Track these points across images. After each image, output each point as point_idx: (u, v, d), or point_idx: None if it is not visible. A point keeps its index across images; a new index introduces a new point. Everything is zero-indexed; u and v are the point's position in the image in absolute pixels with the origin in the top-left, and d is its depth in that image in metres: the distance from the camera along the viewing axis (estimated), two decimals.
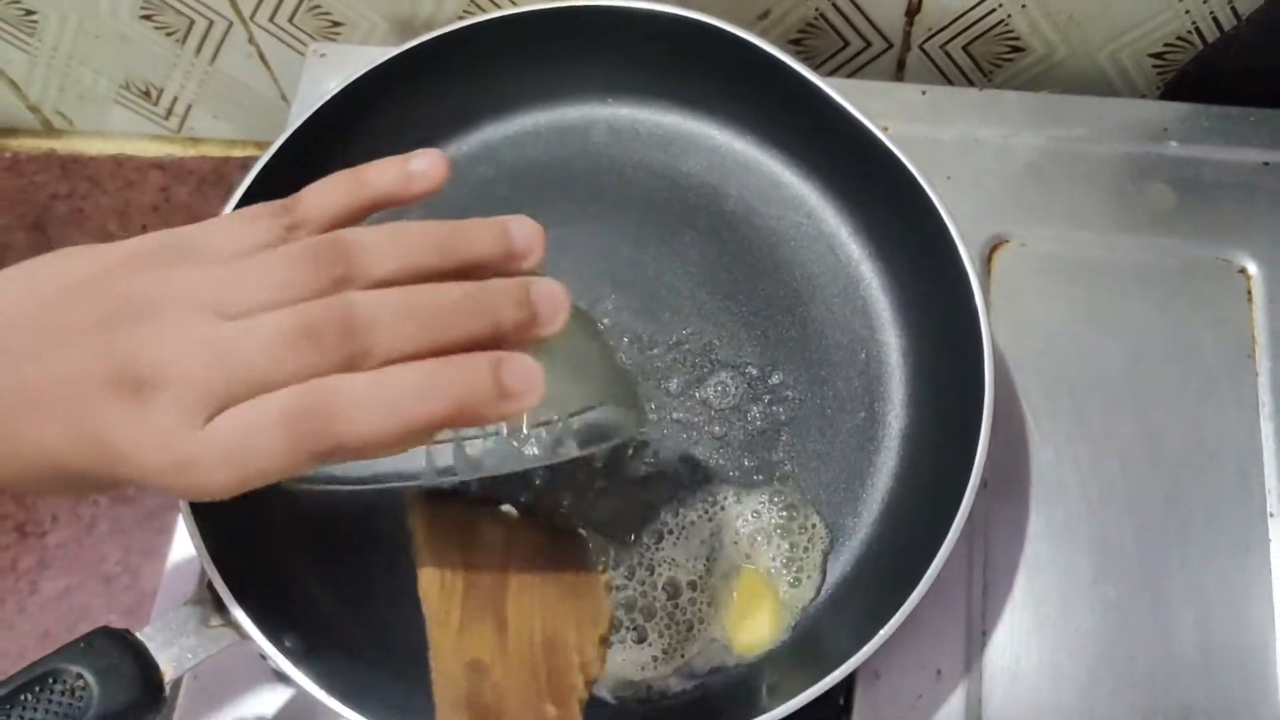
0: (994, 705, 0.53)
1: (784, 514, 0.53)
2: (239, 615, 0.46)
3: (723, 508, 0.53)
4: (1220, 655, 0.53)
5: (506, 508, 0.52)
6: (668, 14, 0.56)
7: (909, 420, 0.55)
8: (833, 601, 0.53)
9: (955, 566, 0.55)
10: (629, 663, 0.50)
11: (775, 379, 0.56)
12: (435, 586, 0.46)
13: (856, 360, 0.56)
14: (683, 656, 0.50)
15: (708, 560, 0.52)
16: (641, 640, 0.50)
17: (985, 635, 0.54)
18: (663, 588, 0.52)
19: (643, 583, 0.52)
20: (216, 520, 0.49)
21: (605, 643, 0.47)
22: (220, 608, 0.47)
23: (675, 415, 0.55)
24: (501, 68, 0.59)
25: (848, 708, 0.53)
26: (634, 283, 0.58)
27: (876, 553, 0.53)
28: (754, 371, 0.56)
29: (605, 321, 0.57)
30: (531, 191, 0.60)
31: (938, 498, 0.50)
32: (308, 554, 0.53)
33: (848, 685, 0.53)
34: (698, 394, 0.56)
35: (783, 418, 0.55)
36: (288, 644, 0.46)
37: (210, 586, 0.47)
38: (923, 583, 0.47)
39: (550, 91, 0.61)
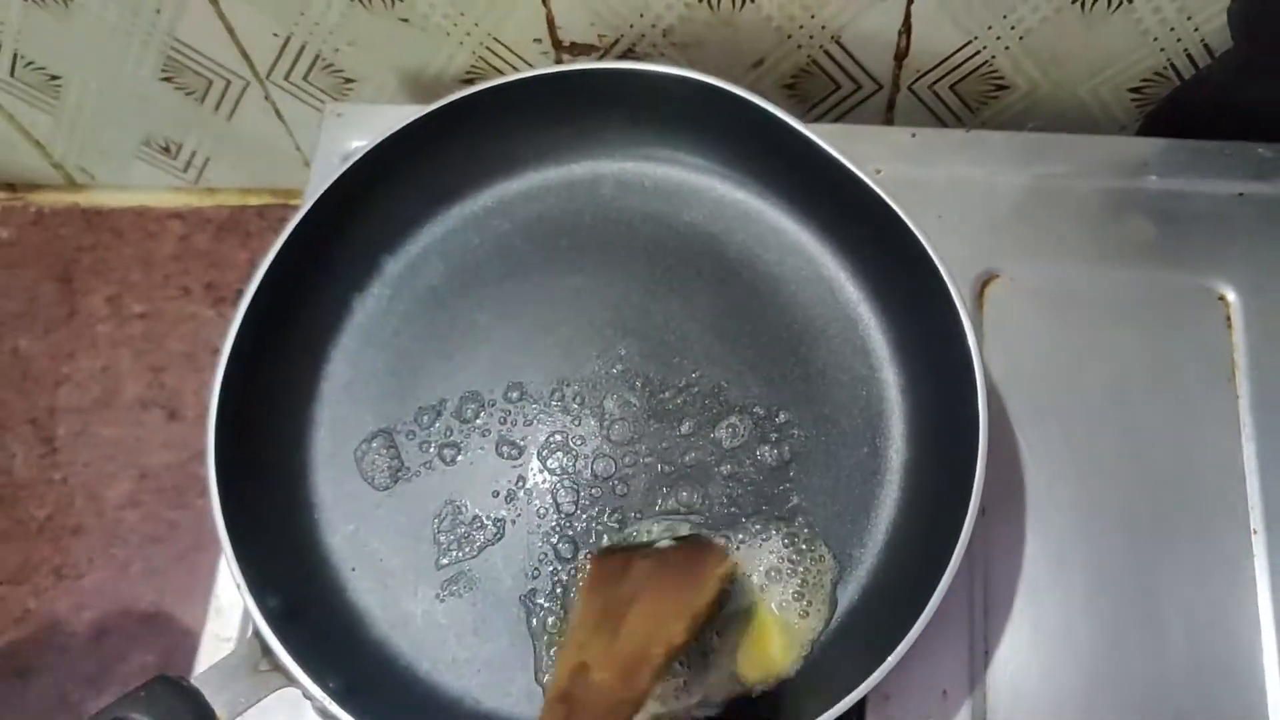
0: None
1: (794, 548, 0.56)
2: (285, 659, 0.49)
3: (736, 546, 0.56)
4: (1210, 666, 0.56)
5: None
6: (669, 75, 0.59)
7: (910, 454, 0.58)
8: (842, 631, 0.56)
9: (957, 590, 0.58)
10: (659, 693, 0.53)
11: (781, 418, 0.59)
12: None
13: (858, 398, 0.59)
14: (701, 688, 0.53)
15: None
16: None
17: (988, 654, 0.57)
18: None
19: None
20: (260, 565, 0.52)
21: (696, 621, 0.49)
22: (267, 652, 0.50)
23: (688, 457, 0.59)
24: (514, 127, 0.62)
25: None
26: (644, 329, 0.61)
27: (883, 582, 0.56)
28: (761, 411, 0.59)
29: (617, 368, 0.60)
30: (545, 244, 0.63)
31: (939, 527, 0.52)
32: (347, 593, 0.56)
33: (859, 709, 0.56)
34: (710, 435, 0.59)
35: (789, 455, 0.58)
36: (331, 685, 0.49)
37: (256, 631, 0.50)
38: (927, 609, 0.50)
39: (560, 149, 0.64)
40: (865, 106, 0.75)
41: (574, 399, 0.60)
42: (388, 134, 0.59)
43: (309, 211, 0.58)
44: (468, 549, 0.57)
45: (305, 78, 0.76)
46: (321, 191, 0.58)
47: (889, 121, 0.75)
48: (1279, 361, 0.62)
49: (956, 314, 0.55)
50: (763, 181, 0.63)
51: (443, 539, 0.57)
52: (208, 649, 0.59)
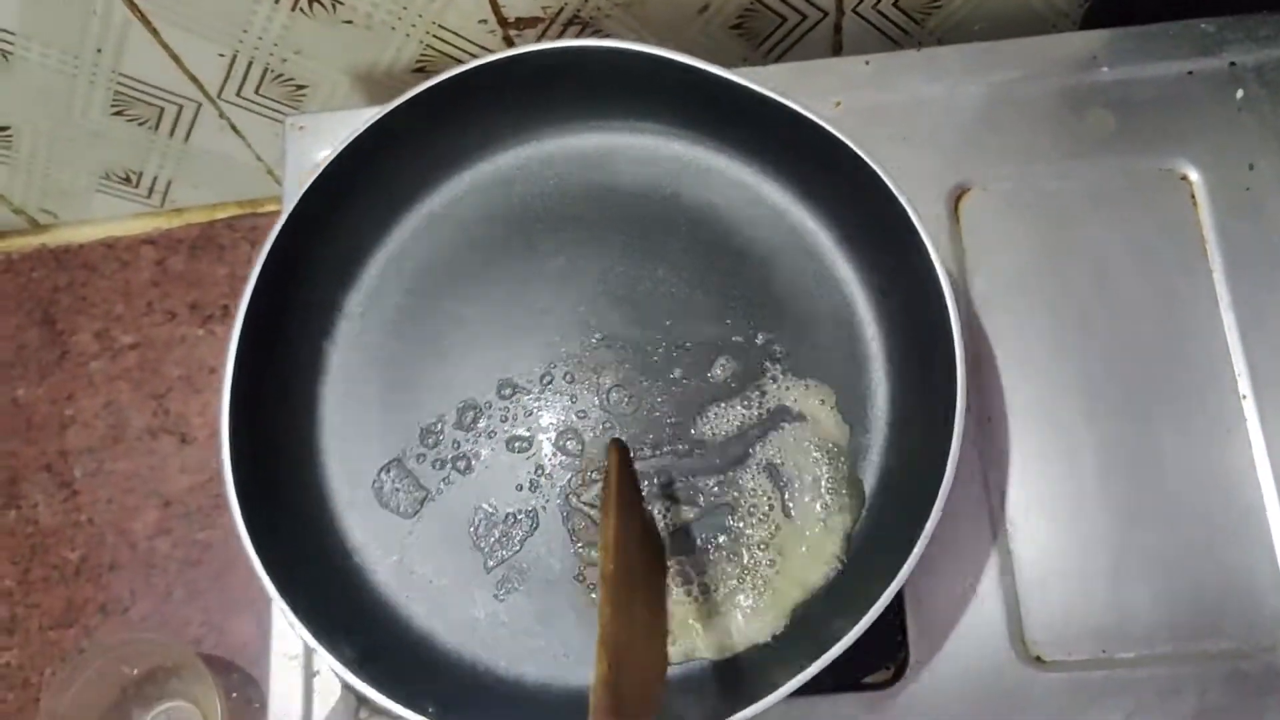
0: (1031, 614, 0.59)
1: (810, 444, 0.60)
2: (381, 701, 0.51)
3: (758, 459, 0.60)
4: (1220, 532, 0.60)
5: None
6: (601, 48, 0.60)
7: (890, 343, 0.61)
8: (874, 518, 0.59)
9: (974, 492, 0.62)
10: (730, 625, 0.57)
11: (760, 340, 0.62)
12: (614, 548, 0.51)
13: (830, 309, 0.62)
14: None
15: (765, 514, 0.59)
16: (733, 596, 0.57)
17: (1011, 554, 0.60)
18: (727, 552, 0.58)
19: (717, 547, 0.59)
20: (322, 621, 0.53)
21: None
22: (363, 700, 0.53)
23: (688, 400, 0.61)
24: (467, 117, 0.63)
25: (903, 638, 0.60)
26: (614, 296, 0.63)
27: (896, 466, 0.59)
28: (740, 340, 0.62)
29: (597, 338, 0.63)
30: (513, 228, 0.65)
31: (935, 415, 0.55)
32: (411, 621, 0.59)
33: (901, 620, 0.60)
34: (704, 375, 0.61)
35: (779, 369, 0.61)
36: (430, 710, 0.51)
37: (345, 684, 0.53)
38: (945, 481, 0.53)
39: (509, 131, 0.65)
40: (813, 36, 0.75)
41: (565, 379, 0.62)
42: (346, 142, 0.60)
43: (284, 226, 0.59)
44: (511, 546, 0.59)
45: (257, 91, 0.75)
46: (291, 209, 0.59)
47: (839, 50, 0.76)
48: (1245, 232, 0.64)
49: (907, 219, 0.56)
50: (714, 135, 0.64)
51: (483, 544, 0.60)
52: (279, 669, 0.62)
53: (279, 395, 0.60)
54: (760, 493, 0.59)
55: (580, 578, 0.59)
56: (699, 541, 0.59)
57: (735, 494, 0.60)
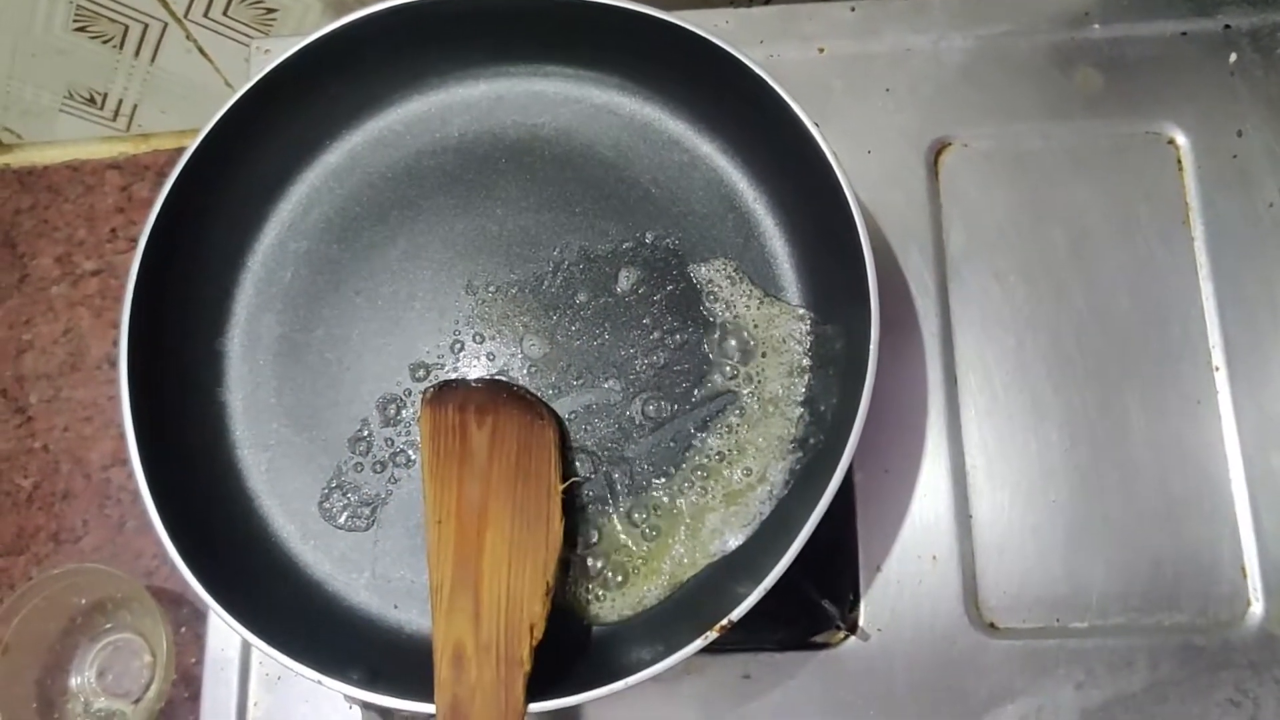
0: (987, 580, 0.58)
1: (738, 325, 0.58)
2: (408, 707, 0.50)
3: (693, 359, 0.58)
4: (1182, 505, 0.59)
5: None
6: None
7: (771, 201, 0.60)
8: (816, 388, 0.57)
9: (938, 457, 0.60)
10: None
11: (649, 237, 0.60)
12: (434, 532, 0.51)
13: (704, 187, 0.60)
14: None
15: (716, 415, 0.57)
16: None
17: (971, 518, 0.59)
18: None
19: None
20: (319, 653, 0.51)
21: (549, 594, 0.51)
22: (386, 713, 0.51)
23: (601, 319, 0.59)
24: (377, 63, 0.61)
25: (855, 600, 0.59)
26: (488, 244, 0.60)
27: (819, 334, 0.57)
28: (630, 245, 0.60)
29: (491, 291, 0.60)
30: (407, 193, 0.62)
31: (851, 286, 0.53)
32: (403, 629, 0.57)
33: (854, 580, 0.59)
34: (609, 290, 0.59)
35: (675, 260, 0.59)
36: None
37: (364, 704, 0.52)
38: (872, 349, 0.51)
39: (428, 74, 0.63)
40: None
41: (474, 341, 0.59)
42: (271, 65, 0.58)
43: (203, 141, 0.58)
44: None
45: (225, 13, 0.73)
46: (214, 122, 0.58)
47: None
48: (1229, 200, 0.63)
49: (797, 120, 0.54)
50: (621, 75, 0.62)
51: None
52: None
53: (194, 457, 0.58)
54: (705, 393, 0.57)
55: None
56: (648, 465, 0.57)
57: (676, 403, 0.58)
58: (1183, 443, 0.60)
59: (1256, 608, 0.57)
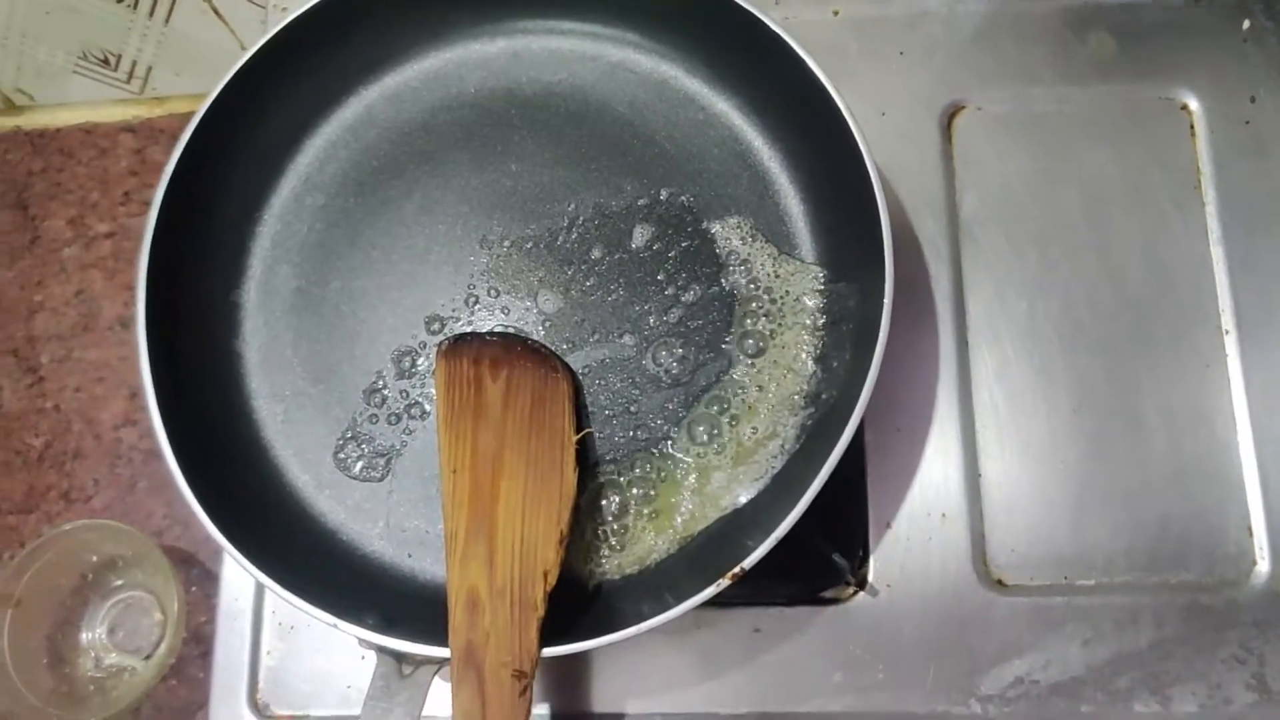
0: (995, 538, 0.59)
1: (750, 284, 0.58)
2: (426, 651, 0.50)
3: (711, 314, 0.58)
4: (1190, 466, 0.59)
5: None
6: None
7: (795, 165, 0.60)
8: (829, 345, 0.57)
9: (948, 417, 0.61)
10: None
11: (664, 194, 0.60)
12: (449, 482, 0.52)
13: (718, 143, 0.61)
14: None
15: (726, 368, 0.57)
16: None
17: (980, 478, 0.60)
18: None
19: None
20: (335, 598, 0.51)
21: (563, 543, 0.52)
22: (401, 657, 0.51)
23: (616, 275, 0.59)
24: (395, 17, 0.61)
25: (865, 556, 0.59)
26: (505, 200, 0.61)
27: (832, 291, 0.58)
28: (645, 201, 0.60)
29: (506, 245, 0.60)
30: (424, 146, 0.62)
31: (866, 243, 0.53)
32: (417, 576, 0.57)
33: (864, 536, 0.59)
34: (624, 247, 0.60)
35: (690, 217, 0.60)
36: None
37: (380, 649, 0.52)
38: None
39: (444, 29, 0.63)
40: None
41: (490, 295, 0.60)
42: (289, 19, 0.58)
43: (218, 96, 0.58)
44: None
45: None
46: (229, 78, 0.59)
47: None
48: (1241, 165, 0.63)
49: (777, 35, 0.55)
50: (637, 33, 0.63)
51: None
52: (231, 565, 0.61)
53: (210, 409, 0.58)
54: (718, 348, 0.58)
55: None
56: (661, 420, 0.57)
57: (690, 359, 0.58)
58: (1191, 406, 0.60)
59: (1262, 566, 0.57)
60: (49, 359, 0.84)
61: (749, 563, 0.49)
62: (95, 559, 0.76)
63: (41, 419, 0.83)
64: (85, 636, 0.75)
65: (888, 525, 0.59)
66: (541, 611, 0.49)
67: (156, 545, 0.72)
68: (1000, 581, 0.58)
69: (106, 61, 0.83)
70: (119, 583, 0.76)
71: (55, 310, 0.85)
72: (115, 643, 0.75)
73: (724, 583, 0.49)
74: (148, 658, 0.74)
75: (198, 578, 0.78)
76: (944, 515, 0.59)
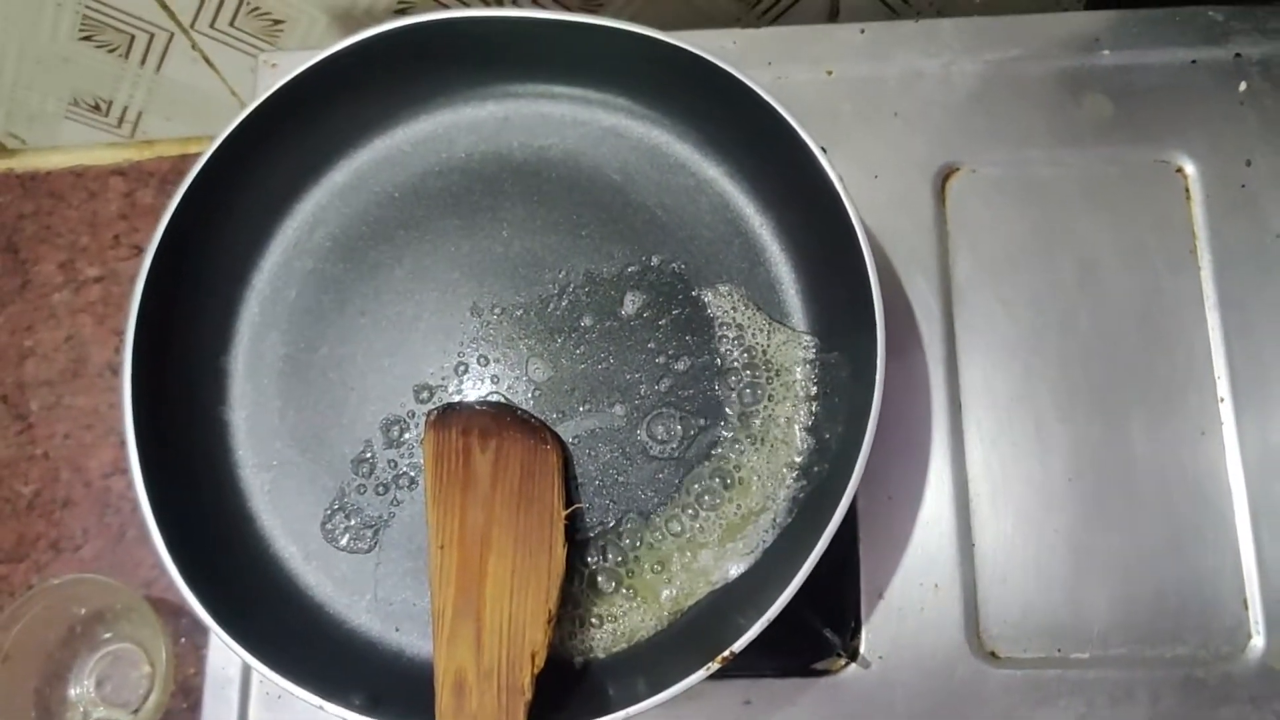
0: (989, 609, 0.58)
1: (741, 350, 0.58)
2: None
3: (700, 386, 0.58)
4: (1186, 536, 0.58)
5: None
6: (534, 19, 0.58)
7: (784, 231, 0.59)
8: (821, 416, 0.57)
9: (941, 484, 0.60)
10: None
11: (655, 261, 0.59)
12: (436, 558, 0.51)
13: (710, 211, 0.60)
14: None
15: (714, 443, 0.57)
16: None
17: (974, 547, 0.59)
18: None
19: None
20: (321, 679, 0.51)
21: (552, 622, 0.51)
22: None
23: (605, 343, 0.59)
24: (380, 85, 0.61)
25: (857, 627, 0.59)
26: (495, 267, 0.60)
27: (824, 361, 0.57)
28: (635, 269, 0.59)
29: (496, 314, 0.60)
30: (414, 212, 0.62)
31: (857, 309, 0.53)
32: (404, 653, 0.57)
33: (856, 607, 0.59)
34: (614, 314, 0.59)
35: (681, 285, 0.59)
36: None
37: None
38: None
39: (419, 101, 0.62)
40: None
41: (479, 364, 0.59)
42: (283, 81, 0.57)
43: (216, 150, 0.57)
44: None
45: (231, 24, 0.73)
46: (228, 132, 0.57)
47: (835, 16, 0.73)
48: (1237, 230, 0.63)
49: (806, 148, 0.54)
50: (628, 98, 0.62)
51: None
52: None
53: (196, 476, 0.58)
54: (709, 418, 0.57)
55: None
56: (651, 492, 0.57)
57: (681, 429, 0.57)
58: (1187, 473, 0.60)
59: (1258, 641, 0.57)
60: (38, 405, 0.83)
61: (739, 646, 0.48)
62: (83, 611, 0.75)
63: (31, 466, 0.82)
64: (73, 691, 0.74)
65: (880, 595, 0.59)
66: (529, 696, 0.48)
67: (144, 598, 0.72)
68: (994, 653, 0.58)
69: (98, 107, 0.82)
70: (107, 635, 0.76)
71: (45, 356, 0.84)
72: (103, 696, 0.75)
73: (714, 666, 0.48)
74: (135, 711, 0.74)
75: (187, 628, 0.77)
76: (937, 585, 0.59)
